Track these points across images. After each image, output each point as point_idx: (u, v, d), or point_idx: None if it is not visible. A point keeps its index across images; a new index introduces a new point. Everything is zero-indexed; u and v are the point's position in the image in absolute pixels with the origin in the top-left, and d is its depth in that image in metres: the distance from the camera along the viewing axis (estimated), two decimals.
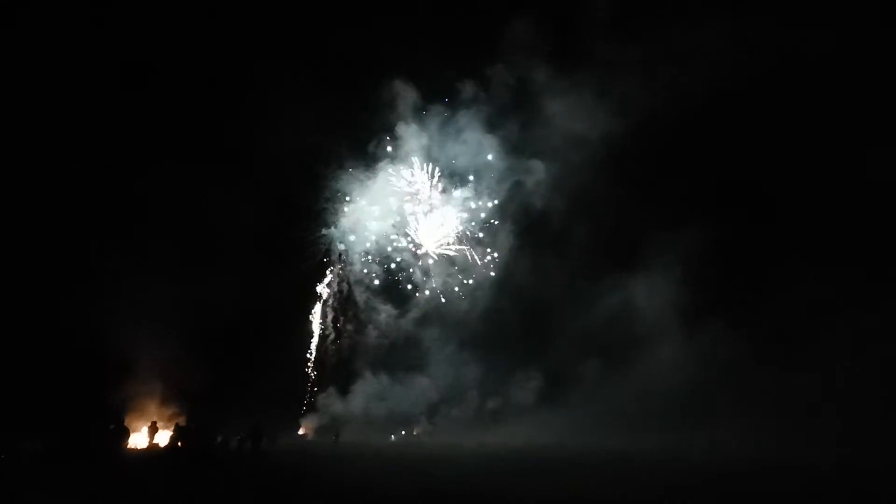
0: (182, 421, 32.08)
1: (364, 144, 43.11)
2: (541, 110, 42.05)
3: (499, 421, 41.19)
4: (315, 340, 43.40)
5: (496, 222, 44.50)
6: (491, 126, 43.12)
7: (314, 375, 42.54)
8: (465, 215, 44.59)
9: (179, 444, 30.39)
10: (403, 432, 41.88)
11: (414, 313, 43.52)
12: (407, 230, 44.53)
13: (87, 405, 29.41)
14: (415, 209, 44.41)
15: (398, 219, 44.38)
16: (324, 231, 43.62)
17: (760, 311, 36.83)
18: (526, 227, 44.03)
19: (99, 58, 34.51)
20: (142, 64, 36.11)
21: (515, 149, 43.45)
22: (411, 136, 42.99)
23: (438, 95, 43.31)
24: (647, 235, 40.39)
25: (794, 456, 26.92)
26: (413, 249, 44.46)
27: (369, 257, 43.89)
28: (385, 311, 43.28)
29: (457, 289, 44.04)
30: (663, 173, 40.78)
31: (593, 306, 40.93)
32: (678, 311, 39.07)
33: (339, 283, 44.24)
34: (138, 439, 31.60)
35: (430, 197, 44.47)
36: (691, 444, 31.93)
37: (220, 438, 29.92)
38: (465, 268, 44.43)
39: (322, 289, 43.99)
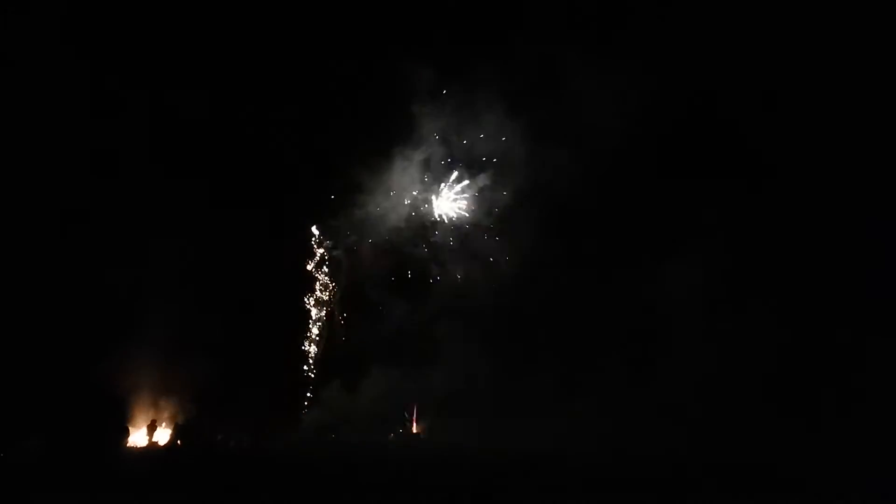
0: (181, 419, 32.13)
1: (375, 129, 39.94)
2: (568, 90, 37.62)
3: (510, 419, 38.51)
4: (315, 329, 41.55)
5: (515, 211, 40.94)
6: (512, 107, 39.10)
7: (319, 370, 40.84)
8: (484, 204, 41.70)
9: (178, 442, 30.57)
10: (402, 430, 40.39)
11: (425, 306, 40.96)
12: (422, 219, 42.06)
13: (86, 404, 29.38)
14: (430, 197, 41.99)
15: (412, 207, 41.83)
16: (332, 222, 41.52)
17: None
18: (548, 216, 40.03)
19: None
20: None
21: (539, 132, 39.23)
22: (426, 118, 39.73)
23: (456, 74, 39.14)
24: (681, 225, 37.26)
25: None
26: (426, 239, 42.09)
27: (381, 248, 41.61)
28: (394, 304, 41.03)
29: (473, 281, 41.43)
30: (699, 161, 37.33)
31: (617, 299, 38.09)
32: (711, 304, 35.89)
33: (347, 276, 42.27)
34: (137, 438, 31.59)
35: (446, 184, 41.96)
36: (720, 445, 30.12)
37: (219, 437, 29.99)
38: (482, 259, 41.71)
39: (325, 280, 42.14)
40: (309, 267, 41.83)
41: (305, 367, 40.94)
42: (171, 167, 35.02)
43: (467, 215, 42.21)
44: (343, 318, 42.45)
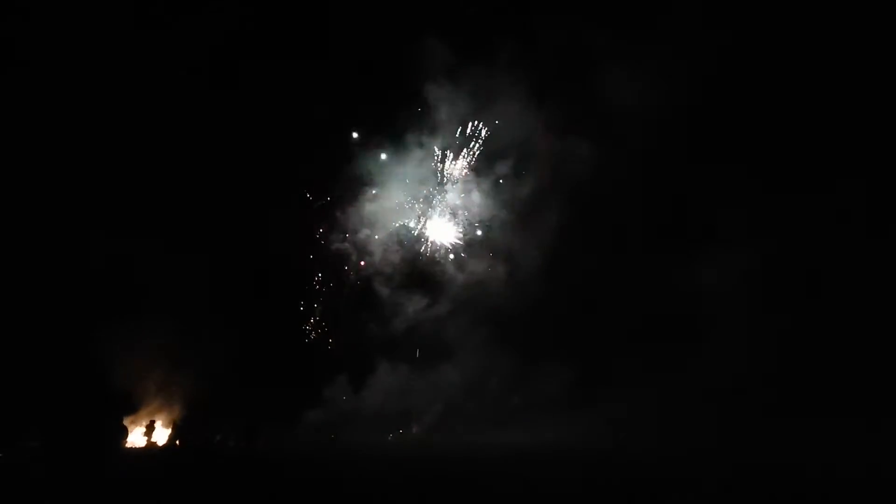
0: (179, 420, 32.14)
1: (388, 113, 37.44)
2: (597, 75, 35.12)
3: (521, 418, 36.68)
4: (319, 325, 40.16)
5: (534, 203, 38.73)
6: (536, 93, 36.42)
7: (323, 367, 39.20)
8: (503, 195, 39.48)
9: (177, 442, 30.58)
10: (401, 430, 38.96)
11: (438, 301, 39.23)
12: (436, 213, 40.28)
13: (85, 405, 29.38)
14: (446, 188, 39.91)
15: (426, 201, 40.04)
16: (339, 214, 39.57)
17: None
18: (570, 208, 37.73)
19: None
20: None
21: (563, 120, 36.56)
22: (443, 103, 37.09)
23: (475, 54, 36.43)
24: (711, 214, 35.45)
25: None
26: (441, 233, 40.22)
27: (392, 244, 39.99)
28: (405, 300, 39.31)
29: (489, 274, 39.55)
30: (728, 147, 35.46)
31: (640, 292, 36.24)
32: (740, 296, 33.81)
33: (357, 272, 40.54)
34: (136, 438, 31.62)
35: (462, 174, 39.82)
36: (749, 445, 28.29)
37: (217, 437, 29.99)
38: (499, 253, 39.56)
39: (332, 274, 40.59)
40: (314, 260, 40.05)
41: (308, 365, 39.42)
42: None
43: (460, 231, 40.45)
44: (348, 314, 40.86)
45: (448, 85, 37.18)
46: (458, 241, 40.84)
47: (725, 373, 32.22)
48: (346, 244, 40.60)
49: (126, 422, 31.25)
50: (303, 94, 36.26)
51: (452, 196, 40.49)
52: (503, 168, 39.09)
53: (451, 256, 40.92)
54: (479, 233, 40.69)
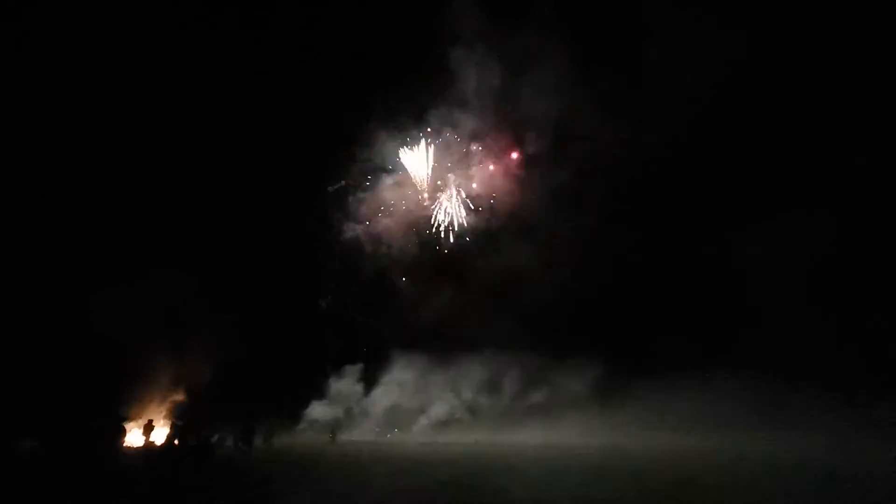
0: (178, 419, 31.98)
1: (407, 84, 34.17)
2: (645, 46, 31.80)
3: (539, 416, 34.40)
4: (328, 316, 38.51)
5: (570, 182, 35.28)
6: (574, 64, 32.91)
7: (329, 362, 37.88)
8: (535, 176, 36.10)
9: (175, 442, 30.38)
10: (397, 430, 37.69)
11: (460, 291, 36.81)
12: (461, 196, 37.36)
13: (82, 404, 29.26)
14: (471, 172, 36.68)
15: (449, 183, 37.11)
16: (354, 199, 37.27)
17: None
18: (608, 189, 34.67)
19: None
20: None
21: (605, 90, 33.16)
22: (471, 71, 33.21)
23: (507, 17, 32.69)
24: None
25: None
26: (464, 217, 37.22)
27: (410, 231, 37.53)
28: (423, 291, 37.18)
29: (516, 260, 36.36)
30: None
31: (677, 276, 33.38)
32: (788, 279, 30.38)
33: (371, 261, 38.04)
34: (134, 437, 31.48)
35: (490, 153, 36.34)
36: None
37: (216, 436, 29.86)
38: (532, 237, 36.30)
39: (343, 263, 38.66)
40: (327, 248, 38.47)
41: (313, 360, 38.06)
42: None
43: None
44: (361, 304, 38.88)
45: (478, 49, 33.70)
46: (480, 226, 38.03)
47: (780, 366, 29.11)
48: (361, 231, 38.57)
49: (124, 421, 31.07)
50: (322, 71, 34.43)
51: (477, 179, 37.65)
52: (536, 145, 35.97)
53: (474, 245, 38.20)
54: (503, 217, 37.66)
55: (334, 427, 37.04)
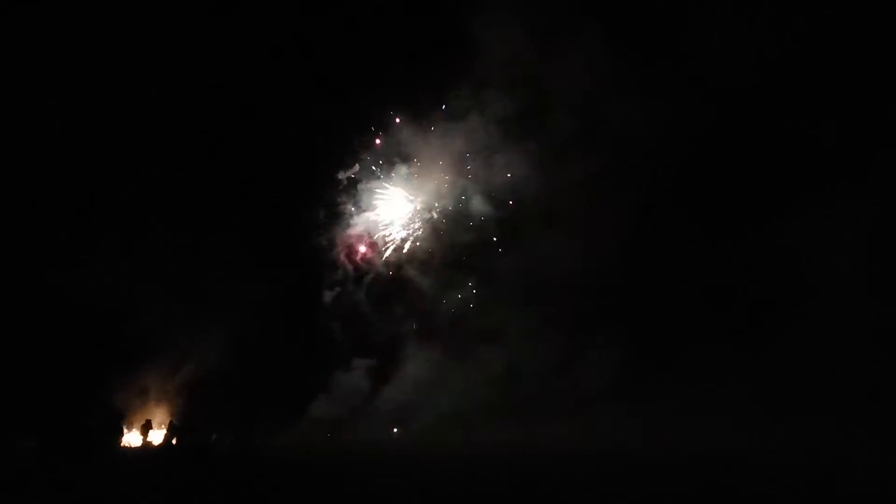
0: (176, 419, 32.02)
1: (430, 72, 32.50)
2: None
3: (554, 412, 32.76)
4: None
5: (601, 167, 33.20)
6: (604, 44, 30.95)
7: (332, 358, 36.70)
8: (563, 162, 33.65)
9: (173, 442, 30.47)
10: (400, 429, 36.60)
11: (480, 284, 35.61)
12: (478, 179, 35.65)
13: (80, 404, 29.29)
14: (492, 160, 34.70)
15: (465, 174, 35.56)
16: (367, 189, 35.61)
17: None
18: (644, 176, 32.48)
19: None
20: None
21: (641, 72, 31.32)
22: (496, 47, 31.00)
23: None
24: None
25: None
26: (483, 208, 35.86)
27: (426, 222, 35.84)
28: (439, 283, 35.83)
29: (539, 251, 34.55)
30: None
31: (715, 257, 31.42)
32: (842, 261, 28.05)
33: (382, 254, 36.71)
34: (132, 438, 31.52)
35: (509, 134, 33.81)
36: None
37: (213, 436, 29.90)
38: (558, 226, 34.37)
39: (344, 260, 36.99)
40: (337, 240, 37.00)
41: (318, 354, 36.90)
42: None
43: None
44: (370, 298, 37.37)
45: (503, 24, 31.76)
46: (502, 216, 36.46)
47: (828, 360, 26.81)
48: (373, 222, 37.28)
49: (122, 421, 31.12)
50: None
51: (499, 166, 35.73)
52: (563, 131, 33.74)
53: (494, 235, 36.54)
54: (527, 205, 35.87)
55: (336, 426, 35.75)
